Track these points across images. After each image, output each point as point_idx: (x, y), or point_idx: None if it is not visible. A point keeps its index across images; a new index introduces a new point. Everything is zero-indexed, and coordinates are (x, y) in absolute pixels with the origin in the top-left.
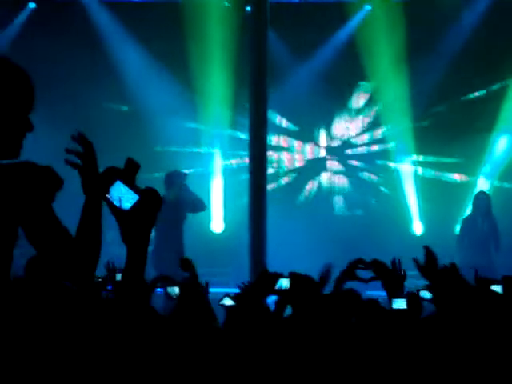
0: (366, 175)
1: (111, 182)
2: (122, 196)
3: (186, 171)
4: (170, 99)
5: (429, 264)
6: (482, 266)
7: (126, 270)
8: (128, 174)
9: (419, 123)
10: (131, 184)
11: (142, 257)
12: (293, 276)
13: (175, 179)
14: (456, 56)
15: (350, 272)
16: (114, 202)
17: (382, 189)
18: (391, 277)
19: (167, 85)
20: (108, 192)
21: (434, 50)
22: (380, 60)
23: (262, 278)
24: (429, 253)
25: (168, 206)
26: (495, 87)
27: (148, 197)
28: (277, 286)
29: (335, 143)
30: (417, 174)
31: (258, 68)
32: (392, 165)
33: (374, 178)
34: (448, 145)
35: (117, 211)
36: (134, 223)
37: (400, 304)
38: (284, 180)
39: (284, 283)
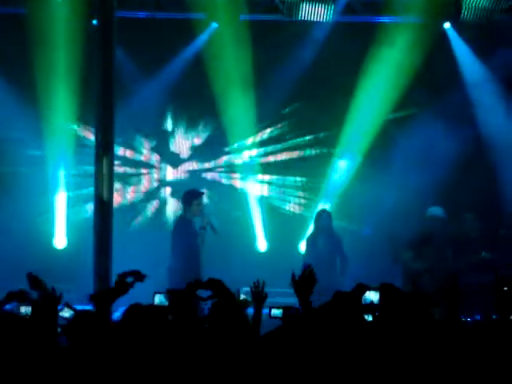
0: (211, 193)
1: None
2: None
3: (202, 190)
4: (13, 113)
5: (304, 281)
6: (324, 285)
7: None
8: None
9: (266, 142)
10: None
11: None
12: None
13: (189, 198)
14: (300, 78)
15: (189, 293)
16: None
17: (227, 207)
18: (227, 294)
19: (10, 99)
20: None
21: (280, 70)
22: (227, 77)
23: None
24: (309, 272)
25: (185, 228)
26: (338, 111)
27: None
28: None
29: (181, 160)
30: (262, 192)
31: (104, 82)
32: (238, 183)
33: (219, 196)
34: (293, 165)
35: None
36: None
37: None
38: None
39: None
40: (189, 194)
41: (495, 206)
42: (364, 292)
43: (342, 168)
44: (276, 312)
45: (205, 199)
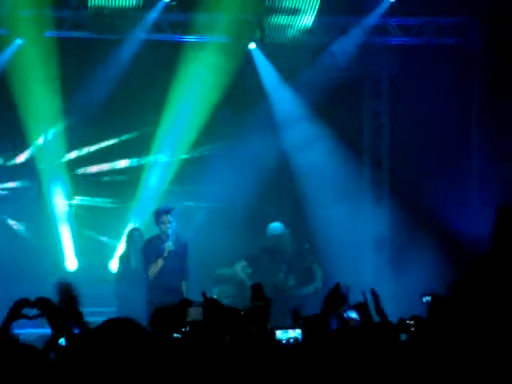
0: (19, 211)
1: None
2: None
3: (171, 206)
4: None
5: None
6: (138, 301)
7: None
8: None
9: (74, 163)
10: None
11: None
12: None
13: (156, 215)
14: (108, 97)
15: (15, 311)
16: None
17: (35, 225)
18: (55, 312)
19: None
20: None
21: (89, 87)
22: (34, 93)
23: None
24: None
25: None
26: (147, 130)
27: None
28: None
29: None
30: (72, 211)
31: None
32: (46, 200)
33: (27, 213)
34: (101, 186)
35: None
36: None
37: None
38: None
39: None
40: (155, 211)
41: (299, 220)
42: (186, 307)
43: (152, 186)
44: None
45: (170, 217)
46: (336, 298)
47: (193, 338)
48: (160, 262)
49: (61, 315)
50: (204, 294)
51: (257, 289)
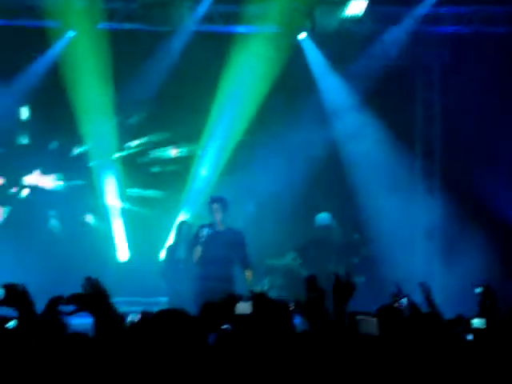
0: (72, 204)
1: None
2: None
3: (222, 196)
4: None
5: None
6: (185, 292)
7: None
8: None
9: (127, 155)
10: None
11: None
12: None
13: (208, 204)
14: (160, 88)
15: (51, 309)
16: None
17: (87, 218)
18: (100, 306)
19: None
20: None
21: (139, 79)
22: (86, 86)
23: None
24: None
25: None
26: (198, 120)
27: None
28: None
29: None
30: (124, 202)
31: None
32: (99, 193)
33: (79, 205)
34: (152, 178)
35: None
36: None
37: None
38: None
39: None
40: (208, 200)
41: (349, 211)
42: (234, 301)
43: (203, 177)
44: None
45: (220, 206)
46: (342, 288)
47: (240, 332)
48: (198, 249)
49: (99, 306)
50: (252, 291)
51: (311, 280)
